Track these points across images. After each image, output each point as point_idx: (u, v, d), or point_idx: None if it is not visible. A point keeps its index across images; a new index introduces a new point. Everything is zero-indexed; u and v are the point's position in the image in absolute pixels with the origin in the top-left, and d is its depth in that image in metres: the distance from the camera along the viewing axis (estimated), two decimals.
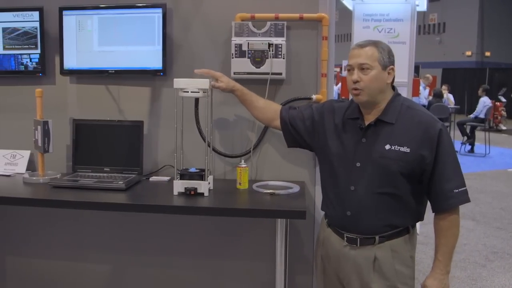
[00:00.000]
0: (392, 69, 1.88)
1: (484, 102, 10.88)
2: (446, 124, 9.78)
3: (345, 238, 1.94)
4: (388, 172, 1.83)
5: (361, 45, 1.87)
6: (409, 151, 1.81)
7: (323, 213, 2.11)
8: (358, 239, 1.90)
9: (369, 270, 1.89)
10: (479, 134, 10.82)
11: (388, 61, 1.87)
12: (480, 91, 11.45)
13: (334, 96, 2.68)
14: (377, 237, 1.88)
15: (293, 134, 2.18)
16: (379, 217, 1.87)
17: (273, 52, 2.48)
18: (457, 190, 1.82)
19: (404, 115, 1.86)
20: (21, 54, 2.74)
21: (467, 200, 1.85)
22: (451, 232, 1.86)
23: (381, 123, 1.88)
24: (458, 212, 1.86)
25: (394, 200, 1.85)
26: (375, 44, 1.87)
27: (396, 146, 1.82)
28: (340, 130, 1.97)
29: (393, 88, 1.94)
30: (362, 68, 1.84)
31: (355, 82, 1.84)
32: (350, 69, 1.87)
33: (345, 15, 6.58)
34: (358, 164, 1.88)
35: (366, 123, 1.91)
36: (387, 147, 1.83)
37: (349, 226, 1.92)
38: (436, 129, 1.81)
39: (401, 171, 1.82)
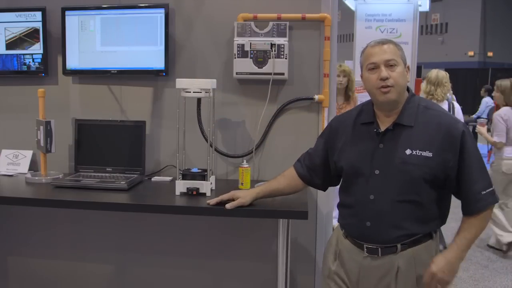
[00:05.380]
0: (408, 67, 1.81)
1: (487, 102, 10.85)
2: None
3: (365, 249, 1.83)
4: (410, 178, 1.74)
5: (382, 42, 1.78)
6: (431, 155, 1.72)
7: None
8: (379, 249, 1.80)
9: (392, 279, 1.80)
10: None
11: (405, 59, 1.80)
12: (482, 92, 11.44)
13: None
14: (399, 245, 1.78)
15: (321, 181, 2.05)
16: (401, 226, 1.77)
17: (276, 52, 2.48)
18: (485, 192, 1.75)
19: (422, 117, 1.77)
20: (23, 54, 2.74)
21: (495, 200, 1.78)
22: (477, 223, 1.78)
23: (399, 126, 1.77)
24: (489, 212, 1.79)
25: (416, 208, 1.76)
26: (393, 41, 1.80)
27: (417, 151, 1.73)
28: (354, 139, 1.87)
29: (407, 89, 1.85)
30: (390, 64, 1.74)
31: (385, 79, 1.73)
32: (374, 67, 1.76)
33: (348, 15, 6.57)
34: (377, 172, 1.78)
35: (382, 127, 1.81)
36: (408, 152, 1.74)
37: (369, 237, 1.82)
38: (459, 131, 1.72)
39: (424, 177, 1.73)
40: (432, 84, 4.33)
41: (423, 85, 4.59)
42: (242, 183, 2.42)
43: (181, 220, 2.68)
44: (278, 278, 2.29)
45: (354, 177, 1.85)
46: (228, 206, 2.06)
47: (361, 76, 1.85)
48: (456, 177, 1.75)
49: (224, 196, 2.11)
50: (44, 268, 2.88)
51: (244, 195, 2.08)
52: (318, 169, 2.02)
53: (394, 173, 1.76)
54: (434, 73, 4.39)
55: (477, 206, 1.76)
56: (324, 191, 2.15)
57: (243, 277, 2.75)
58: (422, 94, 4.55)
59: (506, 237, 4.39)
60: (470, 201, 1.76)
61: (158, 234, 2.77)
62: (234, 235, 2.71)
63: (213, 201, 2.11)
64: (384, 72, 1.73)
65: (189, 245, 2.76)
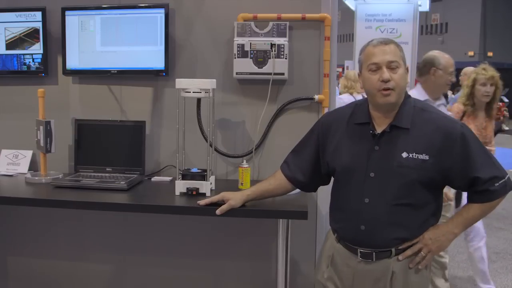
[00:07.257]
0: (408, 68, 1.76)
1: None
2: None
3: (359, 254, 1.78)
4: (407, 182, 1.70)
5: (384, 42, 1.73)
6: (428, 158, 1.68)
7: (328, 227, 1.97)
8: (374, 253, 1.76)
9: (387, 283, 1.76)
10: None
11: (405, 59, 1.76)
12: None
13: (336, 95, 2.68)
14: (393, 250, 1.75)
15: (310, 182, 1.98)
16: (396, 230, 1.73)
17: (276, 52, 2.48)
18: (498, 184, 1.71)
19: (418, 119, 1.73)
20: (23, 54, 2.74)
21: (506, 191, 1.74)
22: (481, 207, 1.76)
23: (395, 128, 1.73)
24: (498, 200, 1.76)
25: (412, 210, 1.73)
26: (394, 41, 1.75)
27: (414, 154, 1.69)
28: (347, 139, 1.81)
29: None
30: (391, 66, 1.69)
31: (387, 81, 1.68)
32: (375, 68, 1.70)
33: (348, 15, 6.58)
34: (372, 175, 1.73)
35: (378, 128, 1.75)
36: (404, 155, 1.69)
37: (363, 241, 1.77)
38: (457, 133, 1.69)
39: (421, 180, 1.69)
40: (352, 80, 5.09)
41: (343, 80, 5.28)
42: (242, 183, 2.42)
43: (181, 220, 2.68)
44: (278, 278, 2.29)
45: (347, 179, 1.80)
46: (218, 212, 2.02)
47: (359, 75, 1.80)
48: (462, 175, 1.72)
49: (214, 198, 2.08)
50: (44, 268, 2.88)
51: (234, 197, 2.02)
52: (307, 170, 1.95)
53: (390, 177, 1.71)
54: (352, 72, 5.20)
55: (489, 197, 1.73)
56: (315, 191, 2.11)
57: (243, 277, 2.74)
58: (342, 89, 5.29)
59: None
60: (482, 194, 1.73)
61: (158, 234, 2.77)
62: (234, 235, 2.71)
63: (203, 201, 2.09)
64: (386, 74, 1.68)
65: (189, 245, 2.76)
